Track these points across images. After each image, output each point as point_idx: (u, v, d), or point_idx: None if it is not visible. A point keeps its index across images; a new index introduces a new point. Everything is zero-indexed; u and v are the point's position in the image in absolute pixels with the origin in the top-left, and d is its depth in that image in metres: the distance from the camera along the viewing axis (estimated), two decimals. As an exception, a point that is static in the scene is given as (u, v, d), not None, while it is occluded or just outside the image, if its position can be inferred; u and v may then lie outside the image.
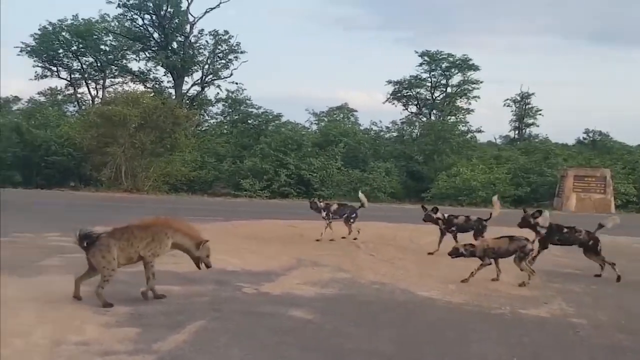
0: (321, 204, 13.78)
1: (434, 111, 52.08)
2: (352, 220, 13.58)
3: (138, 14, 45.67)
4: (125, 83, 49.02)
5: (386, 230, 15.61)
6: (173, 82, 46.35)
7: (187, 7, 45.00)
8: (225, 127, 45.95)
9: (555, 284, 9.63)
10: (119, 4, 44.57)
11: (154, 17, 45.54)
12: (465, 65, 50.42)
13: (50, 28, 46.15)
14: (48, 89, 49.74)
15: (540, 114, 52.98)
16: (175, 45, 46.28)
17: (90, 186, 32.15)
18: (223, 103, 47.47)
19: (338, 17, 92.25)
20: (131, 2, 44.72)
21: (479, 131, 49.52)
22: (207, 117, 48.56)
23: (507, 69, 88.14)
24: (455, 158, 38.46)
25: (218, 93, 47.42)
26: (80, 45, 47.31)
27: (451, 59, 50.42)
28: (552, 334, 6.76)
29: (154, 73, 48.23)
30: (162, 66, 46.33)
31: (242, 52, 46.70)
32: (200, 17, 45.54)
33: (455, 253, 9.28)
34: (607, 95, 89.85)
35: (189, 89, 47.44)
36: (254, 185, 32.77)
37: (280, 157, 34.72)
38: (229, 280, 8.72)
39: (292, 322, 6.75)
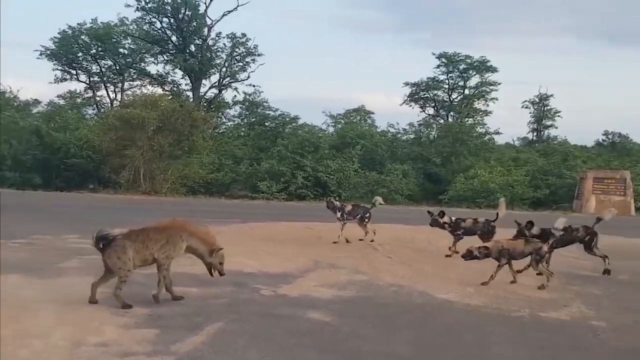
0: (337, 203, 13.80)
1: (452, 113, 51.91)
2: (366, 221, 13.57)
3: (156, 17, 45.94)
4: (144, 86, 49.41)
5: (403, 232, 15.57)
6: (191, 84, 46.56)
7: (205, 10, 45.23)
8: (243, 129, 46.07)
9: (574, 287, 9.56)
10: (137, 7, 44.92)
11: (172, 20, 45.79)
12: (483, 67, 50.24)
13: (70, 32, 46.53)
14: (67, 92, 50.22)
15: (558, 116, 52.67)
16: (193, 48, 46.49)
17: (109, 188, 32.34)
18: (240, 105, 47.62)
19: (356, 20, 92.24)
20: (150, 5, 44.99)
21: (497, 133, 49.35)
22: (224, 120, 48.75)
23: (525, 70, 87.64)
24: (473, 160, 38.26)
25: (235, 95, 47.64)
26: (99, 49, 47.66)
27: (469, 60, 50.26)
28: (571, 337, 6.71)
29: (172, 76, 48.53)
30: (180, 69, 46.55)
31: (259, 55, 46.85)
32: (218, 20, 45.76)
33: (469, 256, 9.22)
34: (626, 96, 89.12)
35: (207, 91, 47.68)
36: (271, 188, 32.81)
37: (297, 159, 34.74)
38: (247, 282, 8.74)
39: (309, 324, 6.75)
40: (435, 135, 45.49)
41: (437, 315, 7.42)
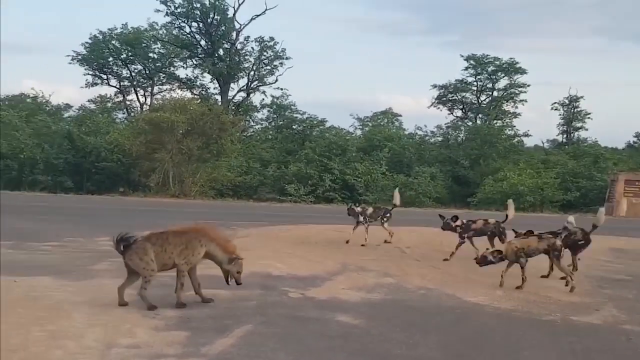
0: (358, 208, 13.74)
1: (480, 115, 51.54)
2: (384, 220, 13.54)
3: (186, 22, 46.37)
4: (173, 90, 49.83)
5: (432, 235, 15.47)
6: (219, 88, 46.89)
7: (234, 15, 45.54)
8: (270, 132, 46.28)
9: (606, 290, 9.44)
10: (167, 12, 45.39)
11: (201, 24, 46.15)
12: (511, 68, 49.81)
13: (101, 37, 47.15)
14: (98, 97, 50.85)
15: (589, 118, 51.98)
16: (221, 52, 46.80)
17: (139, 192, 32.68)
18: (268, 109, 47.88)
19: (383, 22, 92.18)
20: (179, 10, 45.42)
21: (526, 135, 48.92)
22: (252, 123, 49.03)
23: (554, 71, 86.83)
24: (501, 162, 37.97)
25: (263, 99, 47.88)
26: (130, 54, 48.22)
27: (497, 62, 49.86)
28: (604, 341, 6.63)
29: (200, 80, 48.94)
30: (208, 73, 46.90)
31: (287, 58, 47.04)
32: (246, 24, 46.02)
33: (483, 261, 9.13)
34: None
35: (235, 95, 47.98)
36: (298, 190, 32.94)
37: (324, 162, 34.81)
38: (275, 285, 8.77)
39: (338, 327, 6.75)
40: (464, 138, 45.25)
41: (466, 319, 7.38)
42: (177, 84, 49.74)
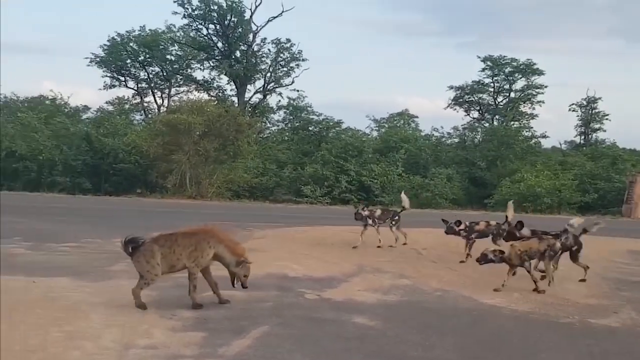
0: (365, 212, 13.66)
1: (497, 116, 51.28)
2: (393, 223, 13.51)
3: (203, 24, 46.54)
4: (190, 92, 50.03)
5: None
6: (236, 90, 47.01)
7: (250, 17, 45.63)
8: (287, 134, 46.35)
9: (624, 293, 9.37)
10: (184, 14, 45.59)
11: (218, 26, 46.30)
12: (529, 69, 49.50)
13: (119, 39, 47.45)
14: (116, 99, 51.14)
15: (607, 119, 51.52)
16: (238, 54, 46.93)
17: (156, 193, 32.84)
18: (284, 110, 47.94)
19: (399, 24, 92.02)
20: (196, 12, 45.61)
21: (544, 136, 48.60)
22: (268, 125, 49.11)
23: (571, 73, 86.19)
24: (518, 164, 37.76)
25: (279, 100, 47.95)
26: (147, 56, 48.47)
27: (514, 63, 49.57)
28: (622, 344, 6.58)
29: (217, 82, 49.08)
30: (225, 75, 47.05)
31: (303, 60, 47.07)
32: (263, 26, 46.11)
33: (483, 259, 9.08)
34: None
35: (251, 96, 48.08)
36: (314, 192, 32.96)
37: (340, 163, 34.82)
38: (291, 286, 8.78)
39: (354, 328, 6.75)
40: (480, 139, 45.05)
41: (483, 321, 7.35)
42: (194, 86, 49.97)
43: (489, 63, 49.89)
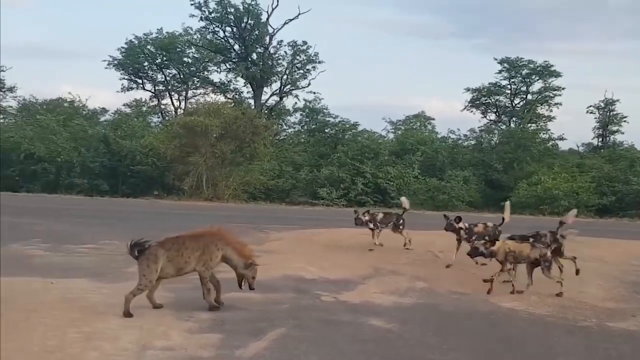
0: (366, 217, 13.61)
1: (514, 119, 50.94)
2: (401, 227, 13.45)
3: (220, 26, 46.62)
4: (207, 94, 50.06)
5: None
6: (252, 92, 47.06)
7: (267, 19, 45.66)
8: (303, 136, 46.30)
9: (643, 296, 9.29)
10: (201, 17, 45.67)
11: (234, 29, 46.38)
12: (546, 71, 49.12)
13: (136, 42, 47.66)
14: (133, 101, 51.31)
15: (625, 121, 51.01)
16: (255, 56, 46.98)
17: (173, 195, 32.94)
18: (301, 112, 47.88)
19: (415, 25, 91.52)
20: (213, 15, 45.72)
21: (561, 139, 48.17)
22: (285, 127, 49.05)
23: (589, 74, 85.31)
24: (535, 166, 37.47)
25: (296, 103, 47.89)
26: (164, 58, 48.65)
27: (532, 65, 49.21)
28: (640, 348, 6.53)
29: (234, 84, 49.10)
30: (242, 77, 47.10)
31: (319, 62, 47.01)
32: (280, 29, 46.09)
33: (474, 253, 9.04)
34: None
35: (268, 99, 48.08)
36: (330, 194, 32.93)
37: (357, 165, 34.77)
38: (308, 289, 8.80)
39: (371, 331, 6.75)
40: (497, 141, 44.75)
41: (500, 324, 7.32)
42: (210, 88, 50.05)
43: (505, 65, 49.59)
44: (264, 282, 8.73)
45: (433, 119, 53.28)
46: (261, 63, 45.93)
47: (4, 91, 47.61)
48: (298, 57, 47.04)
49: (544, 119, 50.53)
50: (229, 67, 48.01)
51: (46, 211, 20.40)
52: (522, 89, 50.56)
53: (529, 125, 48.15)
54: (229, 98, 47.26)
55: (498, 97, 51.25)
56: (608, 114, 50.75)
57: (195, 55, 49.35)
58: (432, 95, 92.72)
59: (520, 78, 49.96)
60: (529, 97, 50.55)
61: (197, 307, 7.21)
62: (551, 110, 50.52)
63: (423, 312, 7.74)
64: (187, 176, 32.35)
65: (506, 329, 7.12)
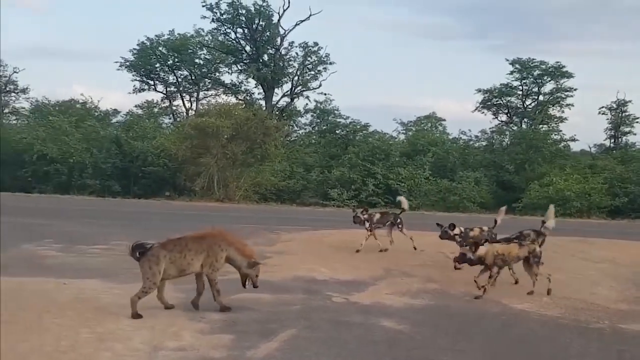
0: (365, 215, 13.52)
1: (525, 119, 50.73)
2: (400, 227, 13.40)
3: (231, 27, 46.71)
4: (218, 95, 50.15)
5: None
6: (263, 93, 47.10)
7: (278, 20, 45.69)
8: (314, 137, 46.28)
9: (656, 298, 9.23)
10: (213, 18, 45.77)
11: (246, 30, 46.45)
12: (558, 72, 48.92)
13: (148, 43, 47.83)
14: (145, 102, 51.46)
15: (637, 122, 50.69)
16: (266, 57, 47.03)
17: (184, 196, 33.00)
18: (312, 113, 47.84)
19: (427, 26, 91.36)
20: (225, 16, 45.80)
21: (573, 140, 47.91)
22: (296, 128, 49.07)
23: (602, 75, 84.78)
24: (547, 167, 37.29)
25: (307, 104, 47.86)
26: (176, 60, 48.78)
27: (543, 66, 49.03)
28: (654, 351, 6.49)
29: (245, 85, 49.16)
30: (253, 78, 47.14)
31: (331, 63, 46.97)
32: (291, 30, 46.10)
33: (462, 259, 8.96)
34: None
35: (279, 100, 48.09)
36: (341, 195, 32.91)
37: (367, 166, 34.75)
38: (319, 290, 8.80)
39: (382, 332, 6.75)
40: (509, 142, 44.55)
41: (512, 326, 7.30)
42: (222, 90, 50.14)
43: (517, 66, 49.44)
44: (275, 283, 8.76)
45: (444, 120, 53.14)
46: (272, 64, 45.96)
47: (17, 92, 48.02)
48: (309, 59, 47.02)
49: (555, 120, 50.29)
50: (240, 68, 48.05)
51: (58, 212, 20.52)
52: (533, 89, 50.36)
53: (541, 126, 47.92)
54: (240, 99, 47.35)
55: (509, 98, 51.08)
56: (620, 115, 50.45)
57: (207, 57, 49.45)
58: (443, 96, 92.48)
59: (532, 79, 49.78)
60: (541, 98, 50.35)
61: (208, 307, 7.23)
62: (563, 111, 50.29)
63: (434, 314, 7.72)
64: (198, 177, 32.42)
65: (518, 331, 7.10)
